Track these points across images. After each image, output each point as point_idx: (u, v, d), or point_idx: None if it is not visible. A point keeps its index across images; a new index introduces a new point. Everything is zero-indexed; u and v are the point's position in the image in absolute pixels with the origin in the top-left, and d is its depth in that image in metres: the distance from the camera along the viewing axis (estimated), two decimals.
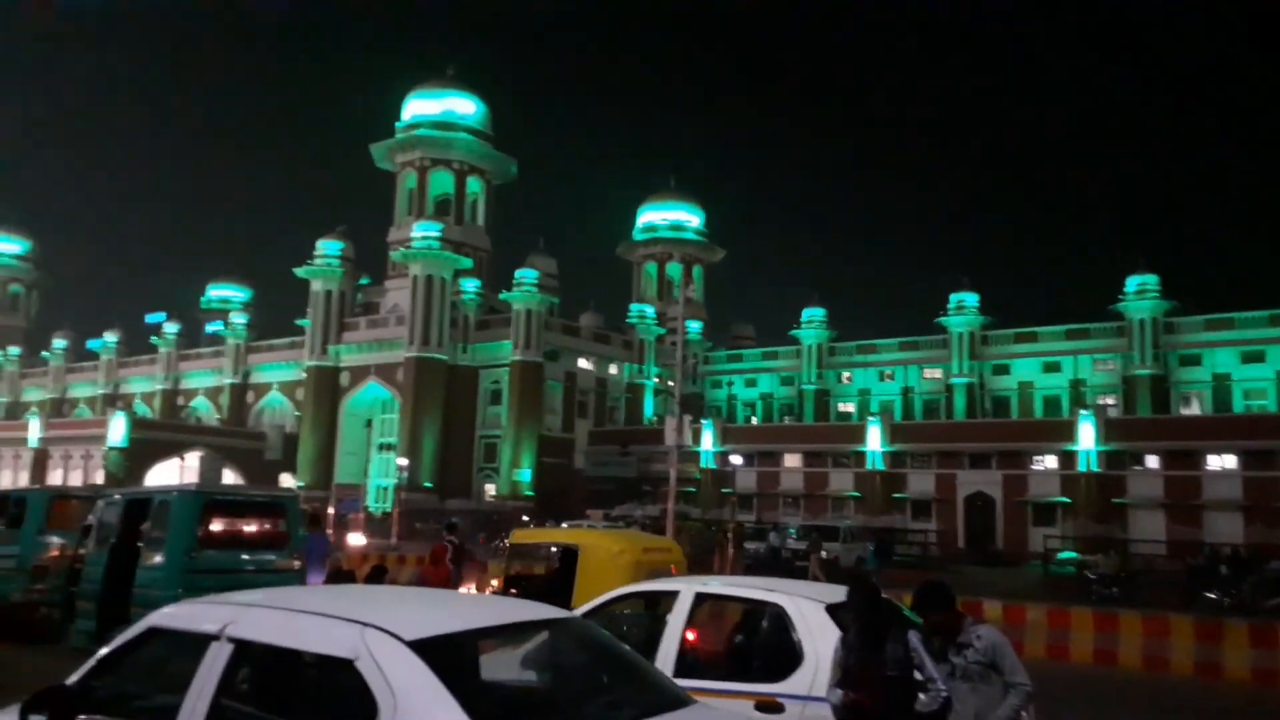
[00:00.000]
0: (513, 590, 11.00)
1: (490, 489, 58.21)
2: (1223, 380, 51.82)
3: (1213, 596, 24.87)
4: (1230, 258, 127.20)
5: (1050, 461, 46.37)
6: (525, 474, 57.20)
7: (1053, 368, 56.99)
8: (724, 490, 53.95)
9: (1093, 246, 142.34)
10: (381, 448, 62.18)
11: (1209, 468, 42.77)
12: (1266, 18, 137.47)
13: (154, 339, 76.58)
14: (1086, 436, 44.98)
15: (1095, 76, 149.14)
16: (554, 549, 11.93)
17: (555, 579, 10.77)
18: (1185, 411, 51.89)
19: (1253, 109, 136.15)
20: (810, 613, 5.54)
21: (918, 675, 4.72)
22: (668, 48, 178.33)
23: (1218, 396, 51.84)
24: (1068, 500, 45.00)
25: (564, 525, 37.73)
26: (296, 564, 11.00)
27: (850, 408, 63.24)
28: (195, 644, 3.71)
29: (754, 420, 66.32)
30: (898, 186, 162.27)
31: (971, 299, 58.57)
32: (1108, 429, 45.40)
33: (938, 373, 60.35)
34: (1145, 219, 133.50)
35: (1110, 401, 53.43)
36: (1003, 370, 58.61)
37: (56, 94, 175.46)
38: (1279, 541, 37.11)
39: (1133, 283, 52.96)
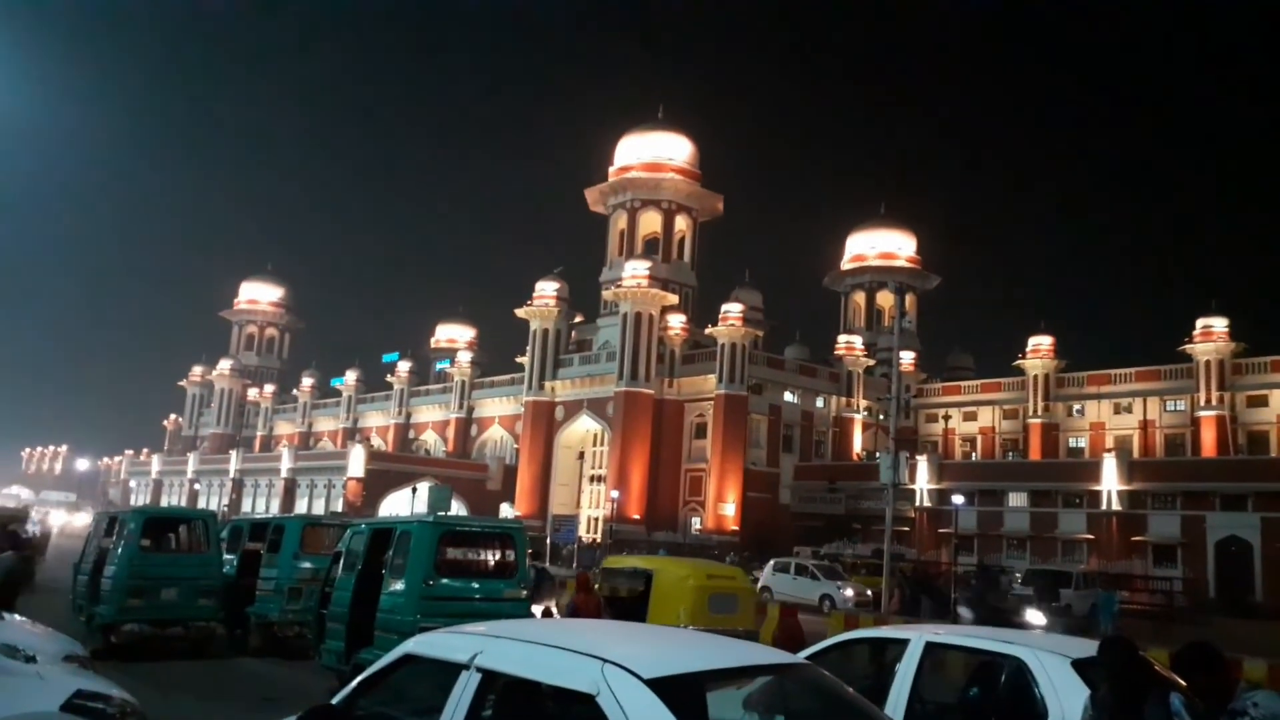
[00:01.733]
0: (608, 607, 12.53)
1: (696, 522, 58.51)
2: None
3: None
4: None
5: None
6: (730, 508, 57.11)
7: None
8: (941, 530, 51.68)
9: None
10: (592, 479, 63.98)
11: None
12: None
13: (388, 377, 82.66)
14: None
15: None
16: (636, 573, 13.43)
17: (638, 598, 12.43)
18: None
19: None
20: (1054, 667, 5.21)
21: None
22: (872, 73, 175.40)
23: None
24: None
25: (770, 563, 37.45)
26: (524, 593, 11.44)
27: (1081, 443, 59.06)
28: (447, 671, 3.96)
29: (974, 456, 63.21)
30: (1130, 204, 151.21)
31: (1220, 323, 53.47)
32: None
33: (1182, 405, 55.38)
34: None
35: None
36: (1259, 401, 53.00)
37: (302, 153, 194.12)
38: None
39: None
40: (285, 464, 73.90)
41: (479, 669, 3.84)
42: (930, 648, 5.80)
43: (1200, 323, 53.94)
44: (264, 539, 15.59)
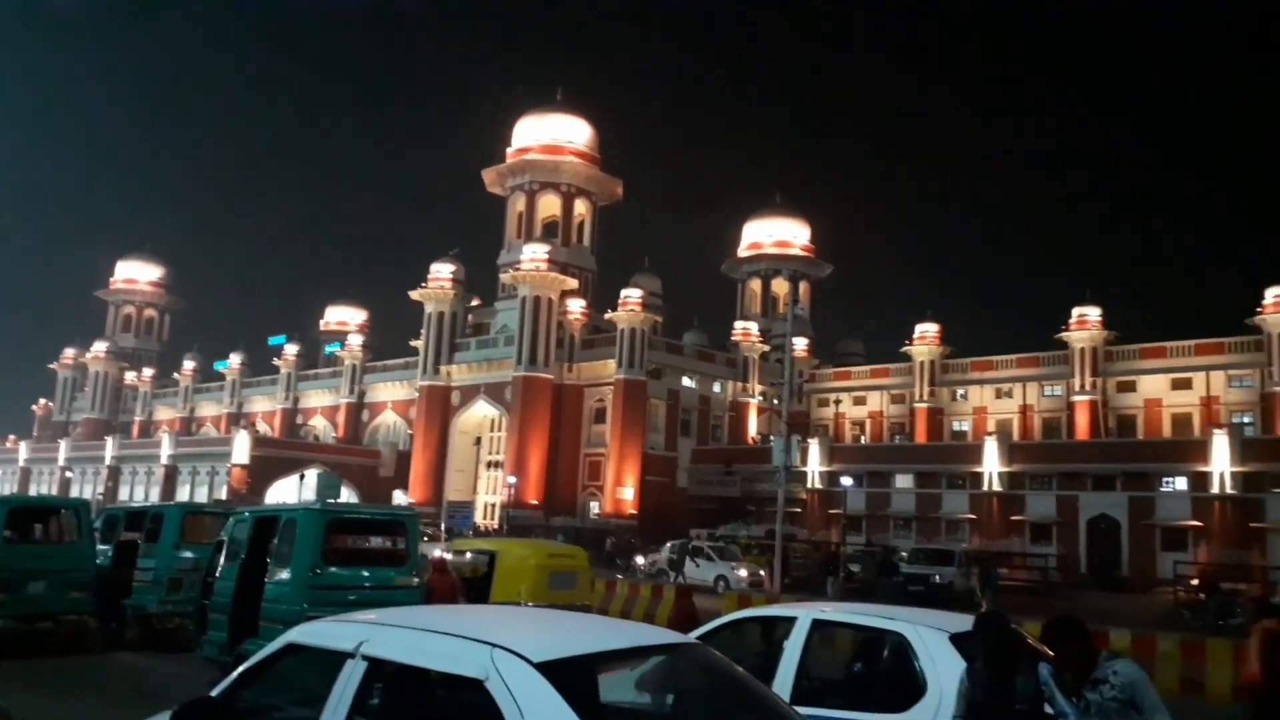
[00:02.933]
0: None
1: (594, 507, 58.71)
2: None
3: None
4: None
5: (1180, 483, 44.06)
6: (628, 492, 57.49)
7: (1182, 384, 54.18)
8: (831, 511, 53.09)
9: (1226, 257, 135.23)
10: (489, 465, 63.48)
11: None
12: None
13: (275, 360, 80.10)
14: (1220, 457, 42.60)
15: (1217, 82, 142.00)
16: (482, 554, 14.15)
17: (483, 578, 13.28)
18: None
19: None
20: (933, 642, 5.41)
21: (1048, 710, 4.55)
22: (773, 64, 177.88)
23: None
24: (1199, 524, 42.67)
25: (668, 545, 37.90)
26: (415, 581, 11.29)
27: (965, 426, 61.45)
28: (331, 660, 3.86)
29: (863, 439, 65.10)
30: (1012, 198, 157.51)
31: (1094, 312, 56.27)
32: (1243, 449, 42.88)
33: (1058, 390, 58.16)
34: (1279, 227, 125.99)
35: (1247, 420, 50.47)
36: (1128, 387, 56.06)
37: (186, 126, 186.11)
38: None
39: (1270, 294, 50.02)
40: (165, 450, 70.98)
41: (365, 657, 3.76)
42: (817, 625, 5.95)
43: (1076, 311, 56.63)
44: (141, 528, 14.97)
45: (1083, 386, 55.79)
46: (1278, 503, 41.42)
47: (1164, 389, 54.76)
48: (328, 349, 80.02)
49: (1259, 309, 50.31)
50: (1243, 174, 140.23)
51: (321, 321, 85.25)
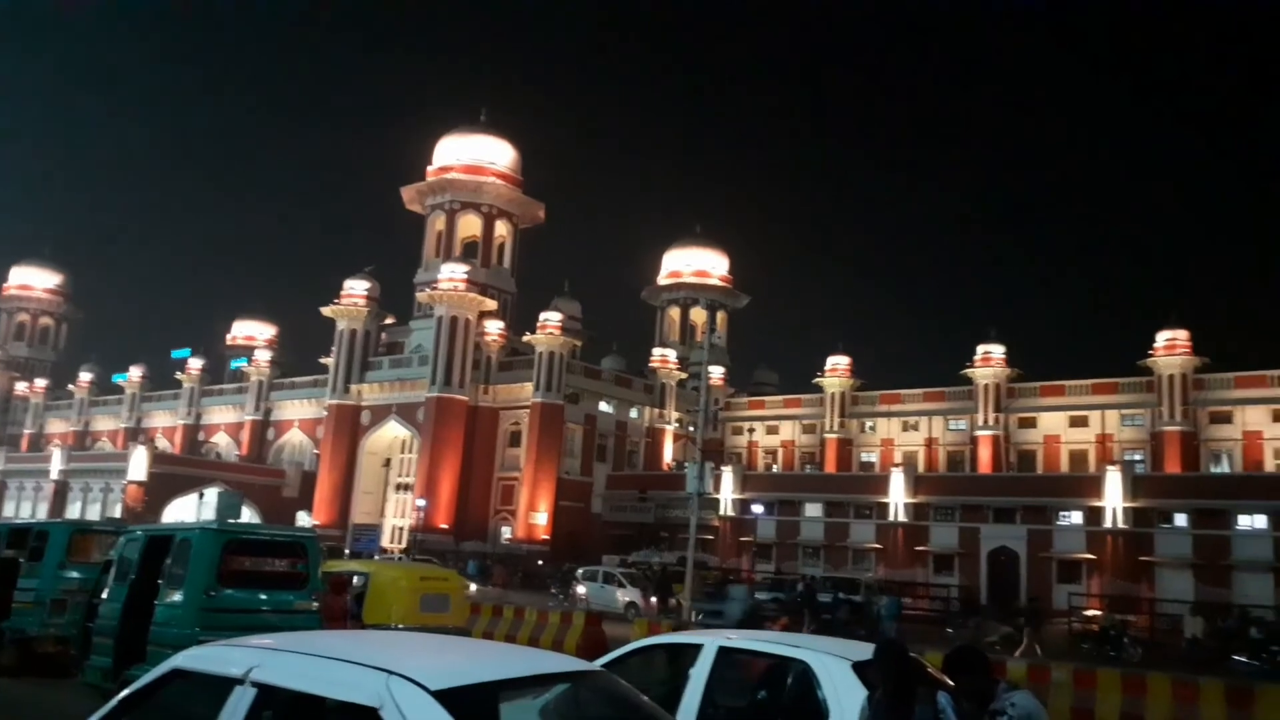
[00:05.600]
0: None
1: (506, 531, 57.99)
2: (1253, 438, 51.04)
3: (1242, 660, 24.38)
4: (1264, 315, 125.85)
5: (1076, 517, 45.66)
6: (542, 517, 56.98)
7: (1080, 422, 56.33)
8: (743, 538, 53.49)
9: (1123, 301, 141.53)
10: (399, 487, 62.24)
11: (1239, 527, 41.92)
12: None
13: (178, 374, 77.35)
14: (1113, 493, 44.32)
15: (1122, 129, 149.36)
16: (355, 576, 14.27)
17: (356, 600, 13.26)
18: (1215, 469, 51.06)
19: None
20: (836, 670, 5.46)
21: None
22: (696, 97, 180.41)
23: (1248, 455, 51.02)
24: (1093, 557, 44.26)
25: (579, 571, 37.68)
26: (315, 605, 10.94)
27: (873, 458, 62.70)
28: (219, 687, 3.68)
29: (775, 468, 65.87)
30: (924, 237, 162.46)
31: (998, 350, 58.18)
32: (1135, 485, 44.71)
33: (963, 424, 59.84)
34: (1177, 275, 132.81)
35: (1138, 457, 52.69)
36: (1029, 423, 58.02)
37: (90, 131, 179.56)
38: None
39: (1162, 338, 52.48)
40: (56, 465, 67.79)
41: (254, 684, 3.60)
42: (723, 652, 5.95)
43: (981, 349, 58.48)
44: (25, 546, 14.19)
45: (986, 422, 57.53)
46: (1166, 537, 43.23)
47: (1062, 426, 56.83)
48: (234, 364, 77.63)
49: (1151, 351, 52.71)
50: (1141, 220, 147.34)
51: (228, 336, 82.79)
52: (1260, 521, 41.55)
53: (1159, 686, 14.03)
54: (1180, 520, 43.42)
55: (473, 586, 32.54)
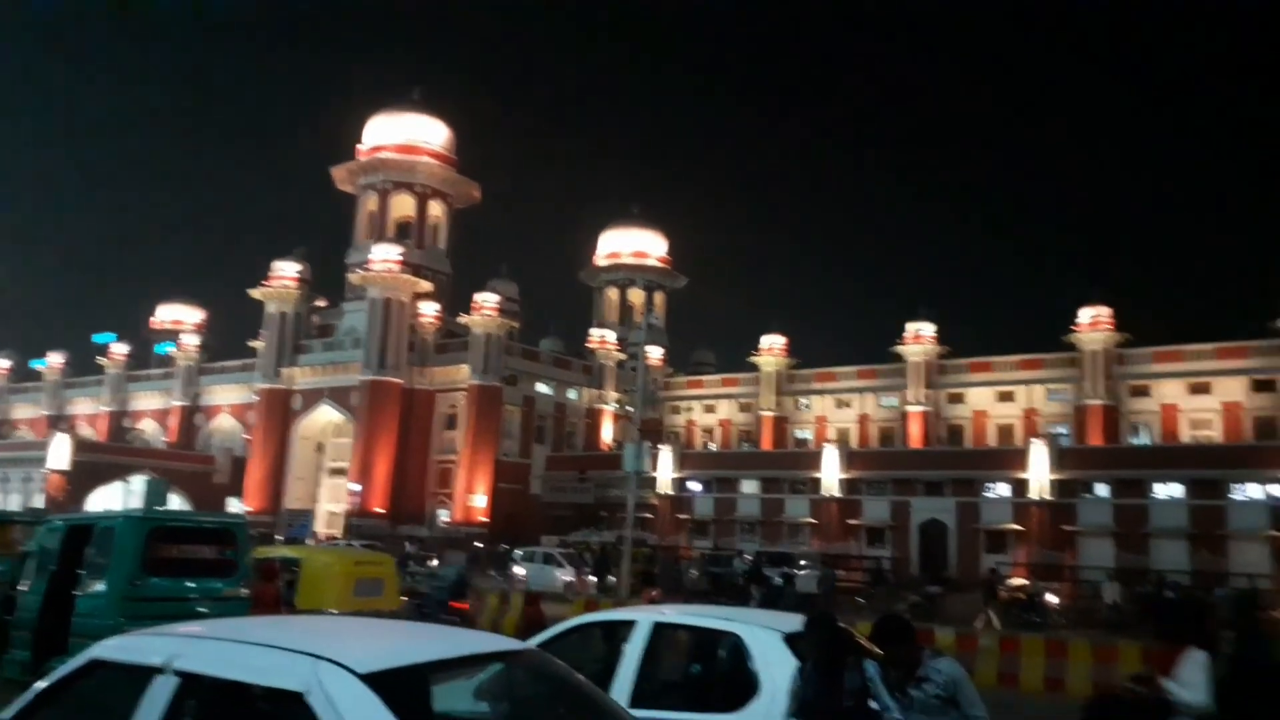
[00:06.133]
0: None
1: (444, 515, 57.58)
2: (1171, 411, 52.93)
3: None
4: (1183, 290, 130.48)
5: (1003, 489, 46.96)
6: (480, 500, 56.70)
7: (1006, 397, 57.78)
8: (680, 516, 53.93)
9: (1049, 278, 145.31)
10: (333, 472, 61.34)
11: (1156, 496, 43.57)
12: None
13: (100, 359, 75.00)
14: (1038, 465, 45.65)
15: (1052, 108, 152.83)
16: (286, 561, 14.04)
17: (291, 585, 13.19)
18: (1134, 441, 52.87)
19: (1209, 139, 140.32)
20: (768, 642, 5.54)
21: (874, 706, 4.72)
22: (632, 76, 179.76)
23: (1166, 427, 52.92)
24: (1019, 528, 45.60)
25: (517, 552, 37.66)
26: (245, 592, 10.76)
27: (807, 435, 63.57)
28: (139, 677, 3.59)
29: (713, 446, 66.43)
30: (857, 216, 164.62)
31: (928, 328, 59.29)
32: (1059, 458, 46.11)
33: (894, 400, 60.95)
34: (1101, 252, 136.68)
35: (1062, 431, 54.29)
36: (958, 399, 59.33)
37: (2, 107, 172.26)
38: (1222, 569, 37.97)
39: (1086, 314, 54.02)
40: None
41: (176, 672, 3.52)
42: (657, 628, 6.00)
43: (910, 327, 59.54)
44: None
45: (916, 398, 58.68)
46: (1088, 507, 44.72)
47: (990, 401, 58.25)
48: (159, 348, 75.42)
49: (1074, 327, 54.24)
50: (1071, 198, 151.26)
51: (153, 320, 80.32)
52: (1176, 491, 43.22)
53: (1079, 650, 14.61)
54: (1101, 491, 44.95)
55: None
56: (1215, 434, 51.17)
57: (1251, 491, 41.83)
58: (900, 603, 25.27)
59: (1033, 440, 48.04)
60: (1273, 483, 41.20)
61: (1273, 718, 6.03)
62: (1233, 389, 51.28)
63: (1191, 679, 5.42)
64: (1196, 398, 52.09)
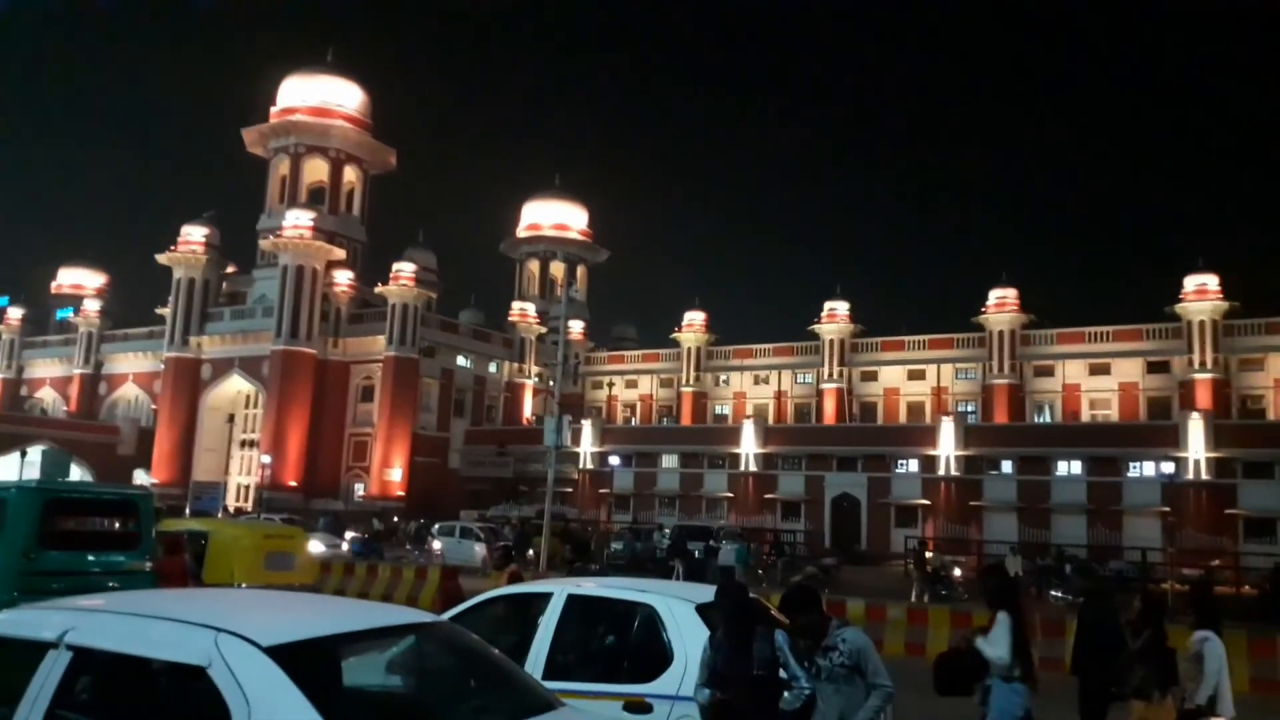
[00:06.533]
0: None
1: (359, 488, 56.73)
2: (1073, 390, 55.03)
3: (1058, 595, 26.59)
4: (1086, 274, 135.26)
5: (913, 465, 48.31)
6: (396, 473, 56.01)
7: (917, 375, 59.31)
8: (601, 490, 54.16)
9: (960, 260, 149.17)
10: (244, 444, 59.85)
11: (1058, 473, 45.35)
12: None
13: None
14: (947, 442, 47.06)
15: (966, 93, 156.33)
16: (193, 534, 13.84)
17: (199, 558, 13.01)
18: (1038, 419, 54.86)
19: (1111, 121, 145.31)
20: (681, 613, 5.61)
21: (783, 675, 4.82)
22: (555, 45, 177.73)
23: (1067, 406, 55.02)
24: (928, 503, 47.00)
25: (435, 526, 37.36)
26: (148, 566, 10.44)
27: (726, 410, 64.32)
28: (31, 652, 3.47)
29: (633, 421, 66.73)
30: (778, 195, 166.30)
31: (843, 307, 60.40)
32: (966, 435, 47.60)
33: (810, 378, 62.01)
34: (1010, 235, 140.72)
35: (970, 409, 56.01)
36: (871, 376, 60.63)
37: None
38: (1117, 543, 39.81)
39: (993, 296, 55.67)
40: None
41: (69, 646, 3.41)
42: (571, 600, 6.02)
43: (827, 306, 60.62)
44: None
45: (831, 375, 59.85)
46: (993, 483, 46.34)
47: (901, 379, 59.76)
48: (59, 314, 72.21)
49: (983, 309, 55.91)
50: (983, 183, 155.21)
51: (53, 284, 76.75)
52: (1076, 468, 45.10)
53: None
54: (1006, 467, 46.63)
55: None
56: (1113, 413, 53.43)
57: (1145, 469, 43.91)
58: (795, 574, 25.83)
59: (942, 418, 49.48)
60: (1164, 460, 43.29)
61: (1108, 669, 7.30)
62: (1129, 370, 53.60)
63: (997, 638, 6.08)
64: (1096, 378, 54.29)
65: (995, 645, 6.06)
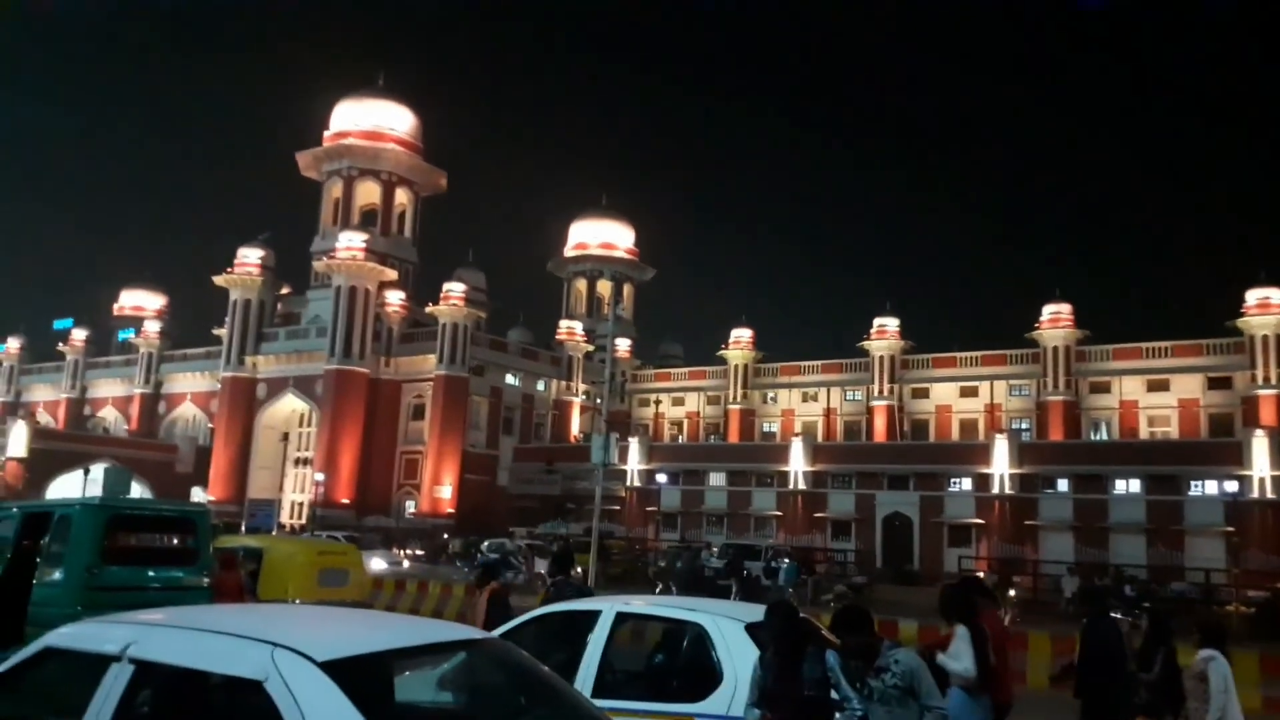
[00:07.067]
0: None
1: (410, 505, 57.29)
2: (1130, 407, 53.79)
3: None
4: (1143, 288, 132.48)
5: (966, 483, 47.51)
6: (446, 490, 56.47)
7: (970, 392, 58.42)
8: (648, 508, 54.07)
9: (1012, 275, 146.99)
10: (298, 462, 60.80)
11: (1115, 491, 44.29)
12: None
13: (61, 346, 73.75)
14: (1000, 459, 46.24)
15: (1021, 109, 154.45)
16: (248, 551, 13.83)
17: (251, 576, 12.93)
18: (1094, 437, 53.69)
19: (1170, 134, 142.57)
20: (730, 632, 5.58)
21: (834, 695, 4.77)
22: (603, 67, 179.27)
23: (1124, 423, 53.79)
24: (981, 521, 46.16)
25: (485, 544, 37.56)
26: (206, 581, 10.65)
27: (774, 428, 63.91)
28: (94, 665, 3.56)
29: (680, 439, 66.59)
30: (826, 211, 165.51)
31: (893, 323, 59.80)
32: (1021, 452, 46.73)
33: (859, 395, 61.42)
34: (1065, 250, 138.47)
35: (1024, 426, 55.00)
36: (922, 394, 59.88)
37: None
38: (1178, 564, 38.70)
39: (1047, 311, 54.74)
40: None
41: (131, 660, 3.49)
42: (621, 618, 6.01)
43: (876, 322, 60.04)
44: None
45: (881, 392, 59.20)
46: (1049, 502, 45.41)
47: (953, 396, 58.89)
48: (121, 335, 74.28)
49: (1037, 324, 54.97)
50: (1036, 197, 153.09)
51: (115, 306, 79.04)
52: (1135, 486, 44.02)
53: (1039, 642, 14.86)
54: (1062, 485, 45.66)
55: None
56: (1172, 430, 52.12)
57: (1208, 487, 42.69)
58: (826, 594, 25.46)
59: (995, 435, 48.65)
60: (1227, 479, 42.05)
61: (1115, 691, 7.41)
62: (1190, 386, 52.27)
63: (958, 650, 6.10)
64: (1154, 394, 53.01)
65: (959, 659, 6.06)
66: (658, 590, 26.58)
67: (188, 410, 68.25)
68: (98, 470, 59.01)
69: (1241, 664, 13.34)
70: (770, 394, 65.09)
